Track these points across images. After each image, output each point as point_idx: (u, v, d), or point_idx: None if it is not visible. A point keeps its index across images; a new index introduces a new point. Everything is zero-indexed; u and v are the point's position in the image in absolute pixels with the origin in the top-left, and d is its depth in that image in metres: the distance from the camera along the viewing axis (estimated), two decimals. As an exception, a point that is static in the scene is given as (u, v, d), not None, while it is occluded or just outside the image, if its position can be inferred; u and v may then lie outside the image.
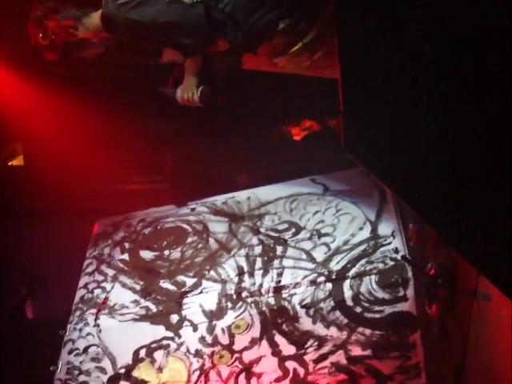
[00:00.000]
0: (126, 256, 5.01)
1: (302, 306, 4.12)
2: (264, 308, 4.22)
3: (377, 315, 3.88)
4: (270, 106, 5.32)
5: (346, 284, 4.10)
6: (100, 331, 4.53)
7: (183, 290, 4.55)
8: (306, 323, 4.04)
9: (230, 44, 3.79)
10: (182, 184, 5.78)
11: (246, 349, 4.07)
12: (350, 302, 4.01)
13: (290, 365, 3.88)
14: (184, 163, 5.95)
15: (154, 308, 4.55)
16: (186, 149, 5.95)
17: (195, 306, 4.41)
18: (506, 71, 1.50)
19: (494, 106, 1.60)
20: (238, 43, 3.75)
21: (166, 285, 4.64)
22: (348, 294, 4.05)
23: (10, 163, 6.29)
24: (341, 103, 2.40)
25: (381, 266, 4.08)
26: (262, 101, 5.26)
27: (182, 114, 5.20)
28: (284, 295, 4.22)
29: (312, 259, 4.35)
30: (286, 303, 4.18)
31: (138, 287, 4.73)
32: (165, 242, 4.92)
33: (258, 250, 4.58)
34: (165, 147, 5.97)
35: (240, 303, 4.31)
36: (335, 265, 4.23)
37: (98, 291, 4.82)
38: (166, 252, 4.86)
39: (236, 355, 4.06)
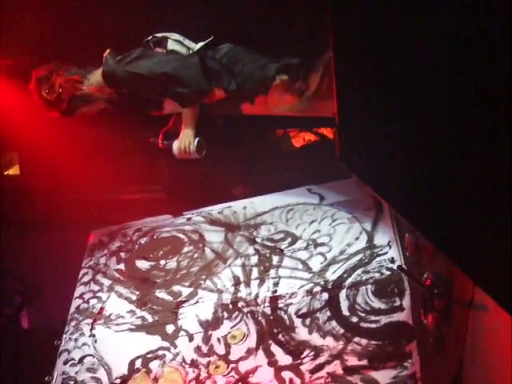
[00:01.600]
0: (121, 266, 5.00)
1: (298, 316, 4.12)
2: (260, 318, 4.21)
3: (373, 325, 3.88)
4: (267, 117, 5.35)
5: (342, 294, 4.09)
6: (96, 341, 4.52)
7: (179, 299, 4.54)
8: (302, 333, 4.03)
9: (225, 92, 3.83)
10: (178, 194, 5.79)
11: (242, 359, 4.07)
12: (346, 312, 4.01)
13: (286, 375, 3.88)
14: (180, 173, 5.94)
15: (149, 318, 4.53)
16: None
17: (191, 315, 4.40)
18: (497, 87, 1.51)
19: (490, 118, 1.60)
20: (234, 91, 3.79)
21: (161, 295, 4.63)
22: (344, 303, 4.05)
23: (6, 173, 6.29)
24: (336, 116, 2.40)
25: (377, 275, 4.08)
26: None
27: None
28: (280, 305, 4.22)
29: (308, 269, 4.34)
30: (282, 313, 4.17)
31: (133, 297, 4.72)
32: (161, 252, 4.91)
33: (254, 259, 4.57)
34: (161, 157, 5.98)
35: (236, 313, 4.30)
36: (331, 274, 4.23)
37: (93, 301, 4.81)
38: (162, 262, 4.85)
39: (232, 365, 4.06)
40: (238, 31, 4.62)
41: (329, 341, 3.92)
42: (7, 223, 5.79)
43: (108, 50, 3.86)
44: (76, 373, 4.39)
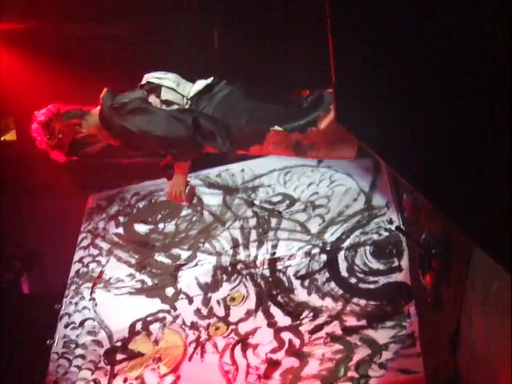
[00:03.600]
0: (120, 230, 5.02)
1: (297, 278, 4.14)
2: (259, 280, 4.24)
3: (371, 286, 3.91)
4: (264, 78, 5.32)
5: (341, 255, 4.12)
6: (96, 305, 4.55)
7: (178, 262, 4.58)
8: (301, 294, 4.06)
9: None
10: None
11: (241, 320, 4.10)
12: (344, 273, 4.03)
13: (286, 336, 3.91)
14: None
15: (149, 281, 4.57)
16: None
17: (190, 278, 4.43)
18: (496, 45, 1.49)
19: (483, 76, 1.58)
20: (228, 152, 3.76)
21: (160, 258, 4.66)
22: (343, 265, 4.07)
23: (2, 138, 6.25)
24: (333, 74, 2.38)
25: (375, 236, 4.10)
26: (256, 74, 5.27)
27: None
28: (279, 267, 4.24)
29: (307, 231, 4.36)
30: (281, 275, 4.20)
31: (133, 261, 4.75)
32: (159, 216, 4.93)
33: (253, 222, 4.59)
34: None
35: (235, 275, 4.33)
36: (330, 236, 4.25)
37: (93, 265, 4.84)
38: (161, 225, 4.87)
39: (232, 327, 4.09)
40: (236, 72, 4.64)
41: (328, 302, 3.95)
42: (5, 189, 5.78)
43: (105, 90, 3.81)
44: (77, 336, 4.43)
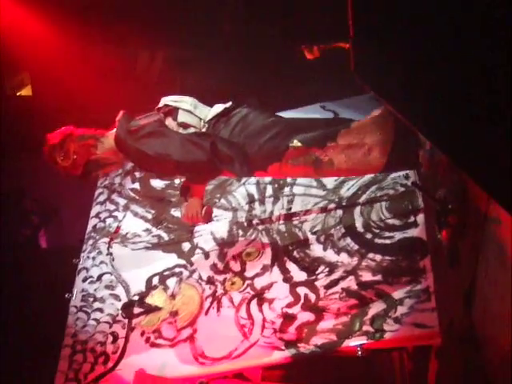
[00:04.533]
0: (136, 185, 5.05)
1: (313, 233, 4.15)
2: (275, 235, 4.25)
3: (387, 241, 3.90)
4: (281, 30, 5.28)
5: (357, 210, 4.11)
6: (113, 259, 4.59)
7: (194, 218, 4.59)
8: (316, 250, 4.07)
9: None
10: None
11: (257, 275, 4.11)
12: (360, 229, 4.03)
13: (301, 291, 3.92)
14: (193, 89, 5.91)
15: (165, 236, 4.60)
16: (195, 73, 5.89)
17: (206, 233, 4.45)
18: None
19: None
20: (245, 176, 3.71)
21: (177, 213, 4.67)
22: (359, 220, 4.07)
23: (18, 93, 6.26)
24: (350, 27, 2.35)
25: (391, 192, 4.08)
26: (272, 25, 5.23)
27: (193, 41, 5.23)
28: (295, 222, 4.25)
29: (322, 186, 4.36)
30: (296, 230, 4.21)
31: (149, 216, 4.78)
32: (175, 171, 4.92)
33: (268, 177, 4.58)
34: (173, 72, 5.93)
35: (251, 231, 4.34)
36: (346, 191, 4.25)
37: (109, 220, 4.87)
38: (177, 181, 4.87)
39: (248, 282, 4.11)
40: (252, 24, 4.55)
41: (343, 257, 3.95)
42: (22, 144, 5.81)
43: (121, 113, 3.78)
44: (95, 290, 4.48)
